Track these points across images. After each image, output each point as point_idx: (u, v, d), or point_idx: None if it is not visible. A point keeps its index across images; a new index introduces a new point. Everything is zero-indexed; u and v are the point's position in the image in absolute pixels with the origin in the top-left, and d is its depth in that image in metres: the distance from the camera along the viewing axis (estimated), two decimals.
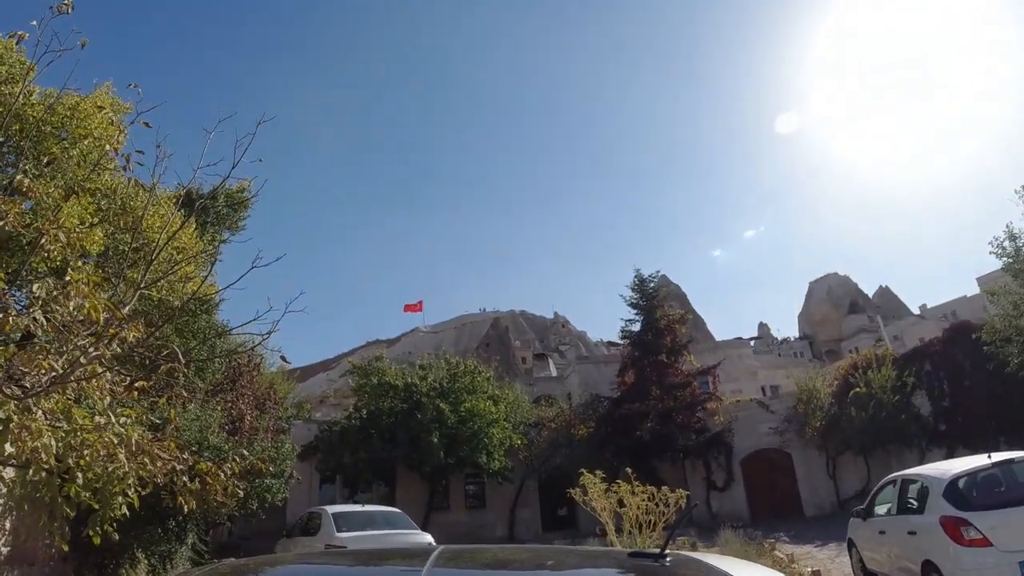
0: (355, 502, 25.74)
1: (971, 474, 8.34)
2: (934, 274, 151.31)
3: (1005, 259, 20.84)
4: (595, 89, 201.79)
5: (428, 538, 11.94)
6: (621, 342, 34.59)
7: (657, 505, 13.62)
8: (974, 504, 7.81)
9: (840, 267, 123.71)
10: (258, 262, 6.16)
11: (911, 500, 9.17)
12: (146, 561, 14.37)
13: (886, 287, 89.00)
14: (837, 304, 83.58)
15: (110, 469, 6.51)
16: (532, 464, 28.15)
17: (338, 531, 11.58)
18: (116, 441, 6.01)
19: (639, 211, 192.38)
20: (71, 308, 5.54)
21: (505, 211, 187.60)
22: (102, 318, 5.44)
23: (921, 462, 25.19)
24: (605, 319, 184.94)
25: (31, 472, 5.60)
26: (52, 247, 7.88)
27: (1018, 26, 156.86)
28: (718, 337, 66.18)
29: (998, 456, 8.64)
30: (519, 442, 26.99)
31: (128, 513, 6.87)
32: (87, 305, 5.37)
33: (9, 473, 9.14)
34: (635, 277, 31.13)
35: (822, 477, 27.19)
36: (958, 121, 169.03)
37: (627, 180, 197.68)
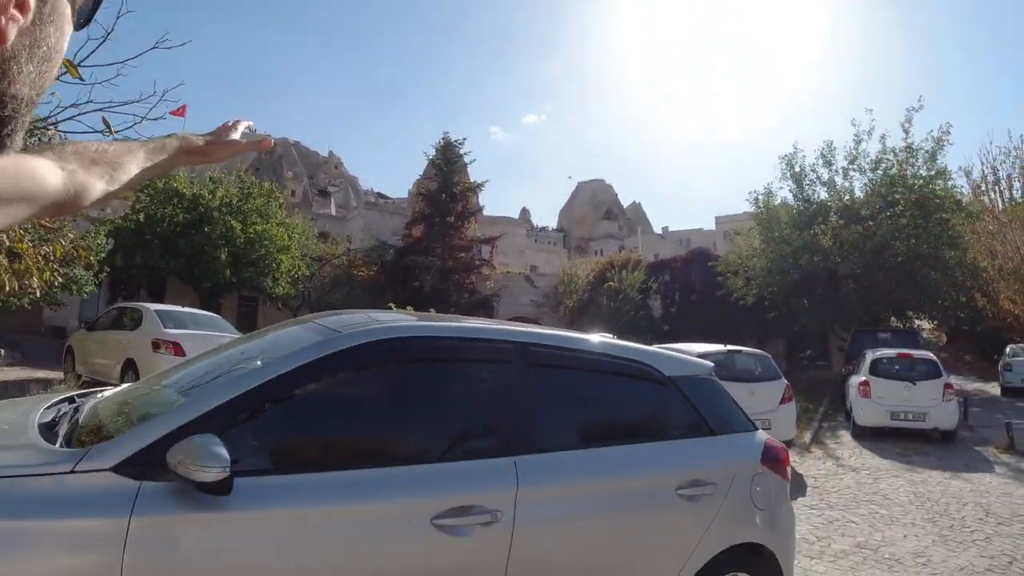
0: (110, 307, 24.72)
1: (709, 355, 11.07)
2: (677, 202, 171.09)
3: (758, 209, 25.06)
4: None
5: None
6: (391, 196, 35.98)
7: None
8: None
9: (604, 174, 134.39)
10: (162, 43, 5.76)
11: None
12: None
13: (638, 203, 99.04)
14: (596, 208, 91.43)
15: None
16: (309, 295, 28.86)
17: (164, 328, 11.73)
18: None
19: (427, 68, 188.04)
20: None
21: (288, 30, 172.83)
22: None
23: None
24: (377, 168, 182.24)
25: None
26: None
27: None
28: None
29: (731, 347, 11.84)
30: (305, 273, 27.46)
31: None
32: None
33: None
34: (442, 139, 32.13)
35: None
36: (746, 85, 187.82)
37: (422, 35, 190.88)
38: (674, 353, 3.88)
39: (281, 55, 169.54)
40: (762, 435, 3.66)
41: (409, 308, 15.05)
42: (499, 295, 31.10)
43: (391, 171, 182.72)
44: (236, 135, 1.35)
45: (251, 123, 1.40)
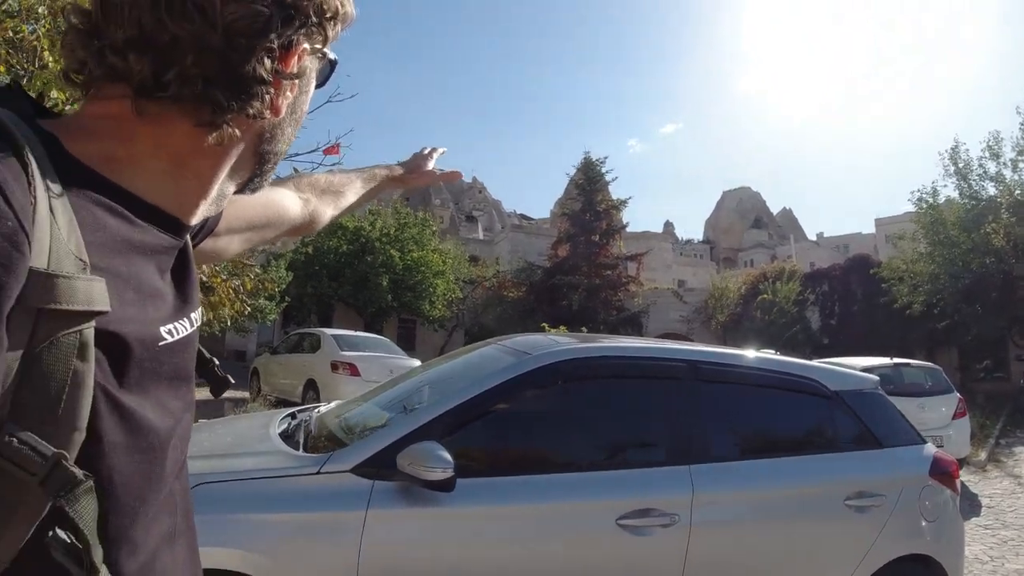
0: (285, 333, 27.03)
1: (874, 368, 10.65)
2: (832, 206, 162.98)
3: (922, 209, 23.44)
4: None
5: (417, 363, 13.32)
6: (533, 217, 36.74)
7: None
8: None
9: (751, 181, 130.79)
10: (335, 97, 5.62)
11: None
12: None
13: (789, 209, 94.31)
14: (744, 216, 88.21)
15: None
16: (463, 318, 30.12)
17: (341, 351, 12.78)
18: None
19: (561, 88, 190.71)
20: None
21: (429, 68, 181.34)
22: None
23: None
24: (518, 190, 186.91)
25: None
26: None
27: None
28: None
29: (898, 359, 11.39)
30: (459, 295, 28.77)
31: None
32: None
33: None
34: (582, 159, 32.60)
35: None
36: (890, 82, 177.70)
37: (550, 53, 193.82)
38: (838, 368, 3.98)
39: (420, 89, 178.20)
40: (931, 448, 3.69)
41: (562, 328, 15.52)
42: (647, 312, 31.03)
43: (532, 192, 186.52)
44: (431, 164, 1.42)
45: (444, 149, 1.46)
